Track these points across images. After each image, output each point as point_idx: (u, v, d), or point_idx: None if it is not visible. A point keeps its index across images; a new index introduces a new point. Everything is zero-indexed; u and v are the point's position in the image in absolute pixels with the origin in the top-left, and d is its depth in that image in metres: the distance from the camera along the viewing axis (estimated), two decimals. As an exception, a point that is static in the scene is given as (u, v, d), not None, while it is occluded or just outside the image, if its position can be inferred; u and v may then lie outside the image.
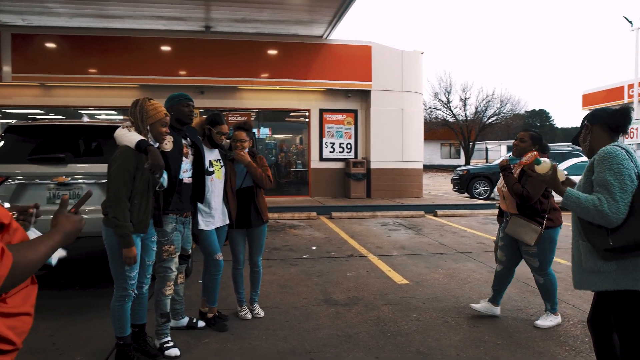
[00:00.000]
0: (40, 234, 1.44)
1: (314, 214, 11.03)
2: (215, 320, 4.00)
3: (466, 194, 15.57)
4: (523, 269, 5.97)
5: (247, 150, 4.04)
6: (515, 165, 4.04)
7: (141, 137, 3.12)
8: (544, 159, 2.54)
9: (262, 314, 4.28)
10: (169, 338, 3.50)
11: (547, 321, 4.07)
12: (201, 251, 4.00)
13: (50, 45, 12.20)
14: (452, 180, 16.64)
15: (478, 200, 14.02)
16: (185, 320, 3.96)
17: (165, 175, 3.32)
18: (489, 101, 36.23)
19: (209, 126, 3.91)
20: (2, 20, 11.95)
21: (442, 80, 48.00)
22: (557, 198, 2.92)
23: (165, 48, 12.61)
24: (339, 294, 4.97)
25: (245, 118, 13.51)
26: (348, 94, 13.66)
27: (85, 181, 4.66)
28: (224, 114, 12.82)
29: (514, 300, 4.77)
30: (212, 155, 3.96)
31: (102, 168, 3.35)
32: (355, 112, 13.83)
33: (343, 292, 5.04)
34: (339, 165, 13.68)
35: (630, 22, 17.83)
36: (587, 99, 23.45)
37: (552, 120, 67.71)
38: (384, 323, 4.13)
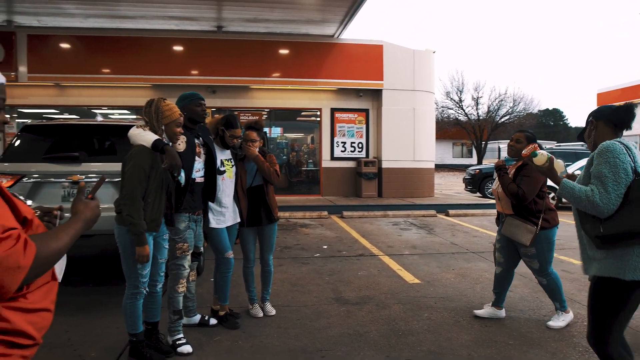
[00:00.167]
0: None
1: (325, 213, 11.04)
2: (227, 317, 4.03)
3: (478, 194, 15.46)
4: (536, 269, 5.93)
5: (257, 150, 4.07)
6: (510, 166, 4.06)
7: (157, 137, 3.15)
8: (541, 151, 2.64)
9: (273, 312, 4.30)
10: (181, 335, 3.54)
11: (559, 321, 4.03)
12: (212, 249, 4.03)
13: (65, 45, 12.36)
14: (464, 180, 16.54)
15: (490, 200, 13.91)
16: (197, 318, 3.99)
17: (182, 174, 3.37)
18: (501, 100, 35.92)
19: (223, 127, 3.93)
20: (18, 21, 12.13)
21: (454, 79, 47.78)
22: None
23: (177, 48, 12.70)
24: (350, 293, 4.97)
25: (257, 117, 13.56)
26: (359, 93, 13.64)
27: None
28: (236, 112, 12.88)
29: (526, 300, 4.74)
30: (223, 155, 3.99)
31: (116, 167, 3.39)
32: (366, 111, 13.82)
33: (354, 291, 5.04)
34: (350, 164, 13.67)
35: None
36: (601, 98, 23.16)
37: (566, 119, 67.01)
38: (395, 322, 4.13)
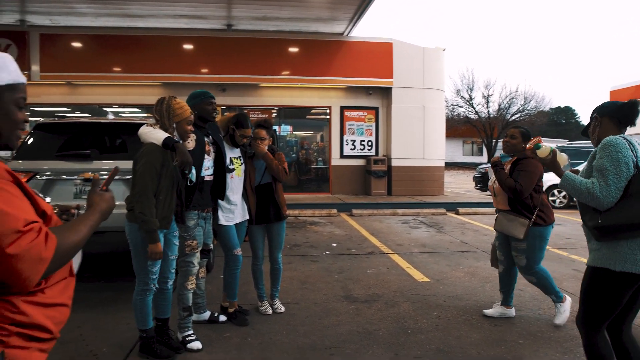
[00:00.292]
0: None
1: (335, 211, 11.04)
2: (236, 314, 4.05)
3: (488, 192, 15.37)
4: (547, 268, 5.88)
5: (266, 148, 4.08)
6: (506, 162, 4.06)
7: (167, 135, 3.17)
8: (544, 144, 2.67)
9: (282, 309, 4.32)
10: (191, 331, 3.56)
11: (562, 313, 4.00)
12: (221, 246, 4.05)
13: (77, 44, 12.48)
14: (474, 178, 16.44)
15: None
16: (207, 315, 4.02)
17: (193, 171, 3.39)
18: (512, 98, 35.62)
19: (234, 127, 3.95)
20: (31, 21, 12.25)
21: (465, 77, 47.57)
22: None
23: (187, 46, 12.76)
24: (359, 291, 4.97)
25: (266, 115, 13.58)
26: (369, 91, 13.61)
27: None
28: (246, 110, 12.92)
29: (537, 299, 4.71)
30: (232, 153, 4.01)
31: (127, 164, 3.41)
32: (376, 109, 13.79)
33: (363, 289, 5.04)
34: (359, 162, 13.66)
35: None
36: (615, 95, 22.84)
37: (578, 117, 66.21)
38: (404, 320, 4.12)
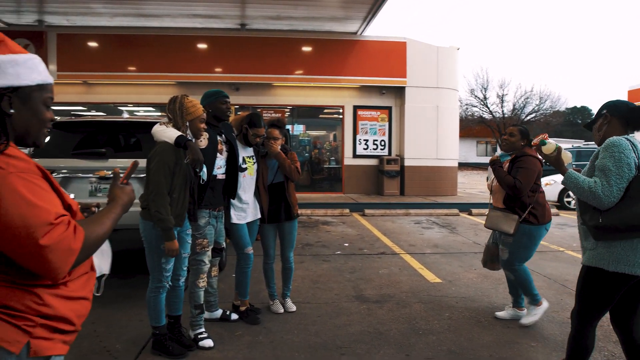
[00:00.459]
0: None
1: (347, 210, 11.03)
2: (247, 313, 4.07)
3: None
4: (560, 270, 5.83)
5: (279, 147, 4.09)
6: (505, 162, 4.06)
7: (179, 133, 3.20)
8: (549, 140, 2.68)
9: (294, 308, 4.33)
10: (203, 329, 3.59)
11: (532, 316, 3.99)
12: (232, 245, 4.08)
13: (93, 44, 12.64)
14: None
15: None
16: (218, 313, 4.05)
17: (205, 169, 3.41)
18: (527, 98, 35.27)
19: (247, 126, 3.97)
20: (48, 21, 12.44)
21: (479, 76, 47.17)
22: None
23: (202, 46, 12.84)
24: (371, 291, 4.97)
25: (279, 115, 13.62)
26: (382, 90, 13.57)
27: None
28: (259, 110, 12.96)
29: (550, 302, 4.65)
30: (245, 152, 4.03)
31: (141, 163, 3.44)
32: (389, 108, 13.74)
33: (375, 289, 5.03)
34: (372, 162, 13.63)
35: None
36: (632, 95, 22.45)
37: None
38: (416, 321, 4.11)
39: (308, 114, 14.51)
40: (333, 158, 14.25)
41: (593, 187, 2.37)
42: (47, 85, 1.42)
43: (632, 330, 2.60)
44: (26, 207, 1.21)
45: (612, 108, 2.59)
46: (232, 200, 3.91)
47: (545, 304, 4.04)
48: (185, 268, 3.47)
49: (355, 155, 13.61)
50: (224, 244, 4.06)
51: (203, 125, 3.36)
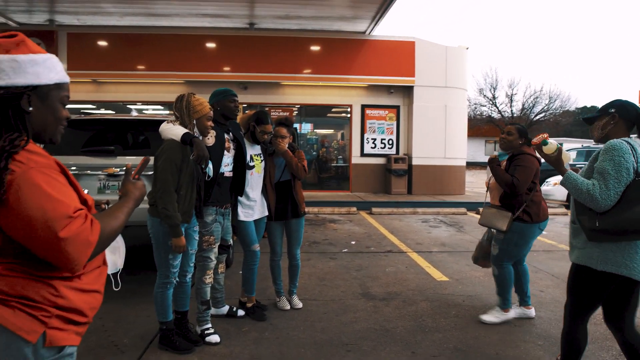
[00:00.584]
0: None
1: (354, 209, 11.03)
2: (254, 309, 4.09)
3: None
4: (568, 270, 5.78)
5: (287, 145, 4.11)
6: (503, 161, 4.06)
7: (186, 130, 3.23)
8: (551, 141, 2.67)
9: (300, 305, 4.34)
10: (209, 325, 3.62)
11: (493, 317, 4.02)
12: (239, 241, 4.10)
13: (102, 43, 12.74)
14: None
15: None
16: (225, 309, 4.07)
17: (210, 165, 3.43)
18: (536, 97, 35.03)
19: (254, 123, 3.99)
20: (59, 20, 12.55)
21: (488, 76, 46.94)
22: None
23: (210, 45, 12.90)
24: (377, 289, 4.97)
25: (287, 113, 13.64)
26: (390, 89, 13.54)
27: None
28: (267, 108, 13.00)
29: (558, 301, 4.63)
30: (253, 150, 4.05)
31: (149, 161, 3.47)
32: (397, 108, 13.71)
33: (381, 287, 5.03)
34: (380, 161, 13.61)
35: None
36: (644, 95, 22.25)
37: (606, 117, 64.53)
38: (422, 319, 4.11)
39: (316, 112, 14.52)
40: (341, 157, 14.25)
41: (591, 190, 2.40)
42: (63, 84, 1.48)
43: (623, 329, 2.64)
44: (46, 201, 1.25)
45: (622, 109, 2.56)
46: (239, 198, 3.93)
47: (511, 314, 4.08)
48: (192, 264, 3.49)
49: (362, 154, 13.60)
50: (231, 241, 4.08)
51: (210, 123, 3.38)
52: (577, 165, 3.24)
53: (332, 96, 13.73)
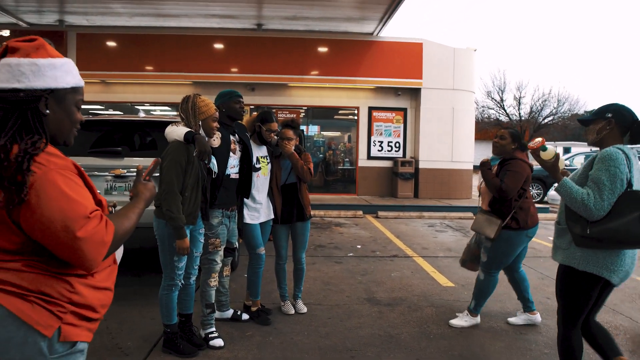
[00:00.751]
0: None
1: (360, 212, 11.01)
2: (258, 313, 4.08)
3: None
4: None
5: (293, 148, 4.09)
6: (494, 165, 4.03)
7: (188, 129, 3.22)
8: (550, 146, 2.65)
9: (304, 309, 4.33)
10: (213, 329, 3.61)
11: (462, 321, 4.03)
12: (245, 244, 4.09)
13: (111, 44, 12.81)
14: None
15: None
16: (229, 312, 4.06)
17: (214, 161, 3.43)
18: (545, 100, 34.76)
19: (259, 123, 3.98)
20: (68, 21, 12.62)
21: (496, 78, 46.53)
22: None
23: (218, 46, 12.92)
24: (383, 294, 4.95)
25: (293, 115, 13.63)
26: (398, 92, 13.50)
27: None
28: (274, 110, 13.00)
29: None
30: (259, 152, 4.04)
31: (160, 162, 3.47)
32: (404, 110, 13.66)
33: (386, 292, 5.01)
34: (386, 164, 13.57)
35: None
36: (653, 99, 22.05)
37: (615, 121, 64.09)
38: (427, 325, 4.08)
39: (323, 114, 14.50)
40: (347, 159, 14.21)
41: (586, 200, 2.41)
42: (79, 88, 1.53)
43: (588, 322, 2.74)
44: (65, 202, 1.30)
45: (618, 114, 2.55)
46: (245, 200, 3.92)
47: (477, 320, 4.08)
48: (196, 267, 3.49)
49: (369, 157, 13.56)
50: (237, 244, 4.07)
51: (215, 124, 3.37)
52: (566, 169, 3.26)
53: (339, 98, 13.71)
